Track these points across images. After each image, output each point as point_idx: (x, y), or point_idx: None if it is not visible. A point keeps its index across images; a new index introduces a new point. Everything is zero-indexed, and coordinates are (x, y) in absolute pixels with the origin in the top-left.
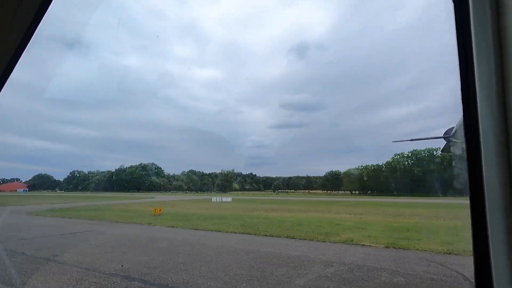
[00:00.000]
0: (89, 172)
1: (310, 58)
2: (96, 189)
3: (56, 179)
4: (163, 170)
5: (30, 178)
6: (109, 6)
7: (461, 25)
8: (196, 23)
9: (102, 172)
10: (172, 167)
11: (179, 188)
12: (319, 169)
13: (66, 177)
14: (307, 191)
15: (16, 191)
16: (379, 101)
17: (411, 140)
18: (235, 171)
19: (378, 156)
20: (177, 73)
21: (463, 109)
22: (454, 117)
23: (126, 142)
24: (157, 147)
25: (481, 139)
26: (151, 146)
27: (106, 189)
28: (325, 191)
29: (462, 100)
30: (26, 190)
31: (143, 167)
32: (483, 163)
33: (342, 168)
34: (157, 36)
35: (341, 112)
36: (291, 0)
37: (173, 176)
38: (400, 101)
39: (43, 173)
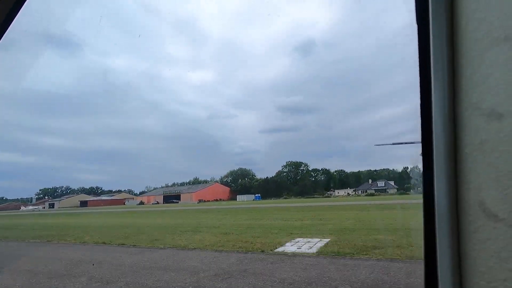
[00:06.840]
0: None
1: (312, 58)
2: None
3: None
4: None
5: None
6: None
7: (423, 47)
8: (191, 19)
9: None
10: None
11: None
12: None
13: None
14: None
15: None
16: (372, 102)
17: (393, 144)
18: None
19: (359, 159)
20: (168, 75)
21: (421, 121)
22: None
23: (104, 152)
24: (135, 155)
25: (434, 150)
26: (127, 154)
27: None
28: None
29: (420, 112)
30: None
31: None
32: (434, 171)
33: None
34: (139, 36)
35: (334, 114)
36: None
37: None
38: (392, 103)
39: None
